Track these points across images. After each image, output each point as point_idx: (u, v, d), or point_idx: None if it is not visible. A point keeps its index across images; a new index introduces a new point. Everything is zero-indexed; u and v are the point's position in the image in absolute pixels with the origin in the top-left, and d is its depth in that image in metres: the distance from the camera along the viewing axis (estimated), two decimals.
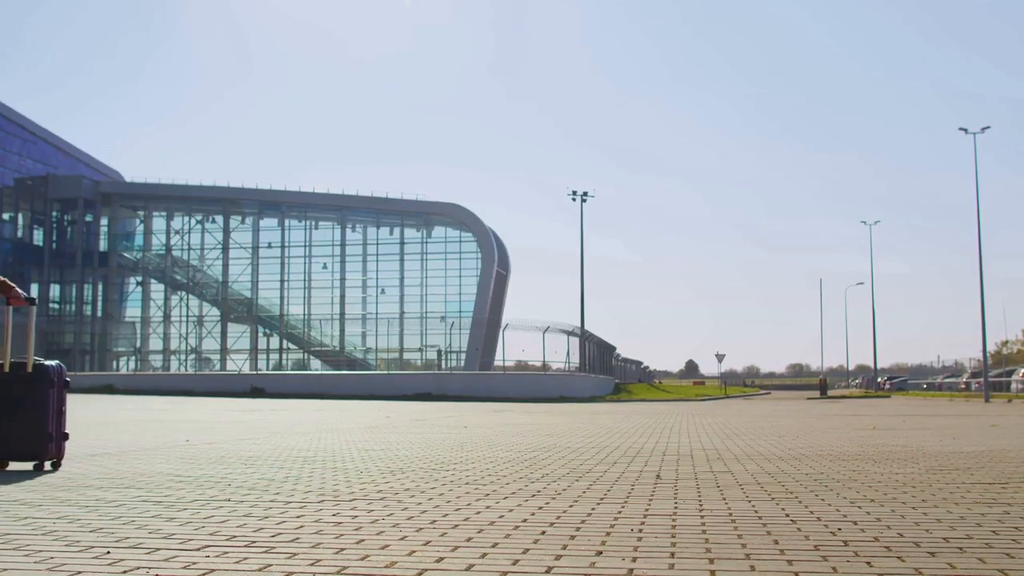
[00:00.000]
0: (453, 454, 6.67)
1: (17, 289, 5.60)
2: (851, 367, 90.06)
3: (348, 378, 35.45)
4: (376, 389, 30.56)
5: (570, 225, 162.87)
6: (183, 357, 56.22)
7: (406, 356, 54.93)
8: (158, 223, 57.98)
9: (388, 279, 55.68)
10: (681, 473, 5.29)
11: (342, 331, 55.84)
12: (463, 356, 49.37)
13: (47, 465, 5.33)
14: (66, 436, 5.47)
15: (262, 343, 56.95)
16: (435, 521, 3.38)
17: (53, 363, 5.43)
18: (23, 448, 5.23)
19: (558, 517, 3.49)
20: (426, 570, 2.52)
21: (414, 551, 2.79)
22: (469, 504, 3.86)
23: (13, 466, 5.30)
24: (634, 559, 2.66)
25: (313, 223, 56.77)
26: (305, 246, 56.62)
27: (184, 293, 57.28)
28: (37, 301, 5.84)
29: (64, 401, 5.46)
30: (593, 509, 3.71)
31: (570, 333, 37.46)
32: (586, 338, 39.58)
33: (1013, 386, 38.39)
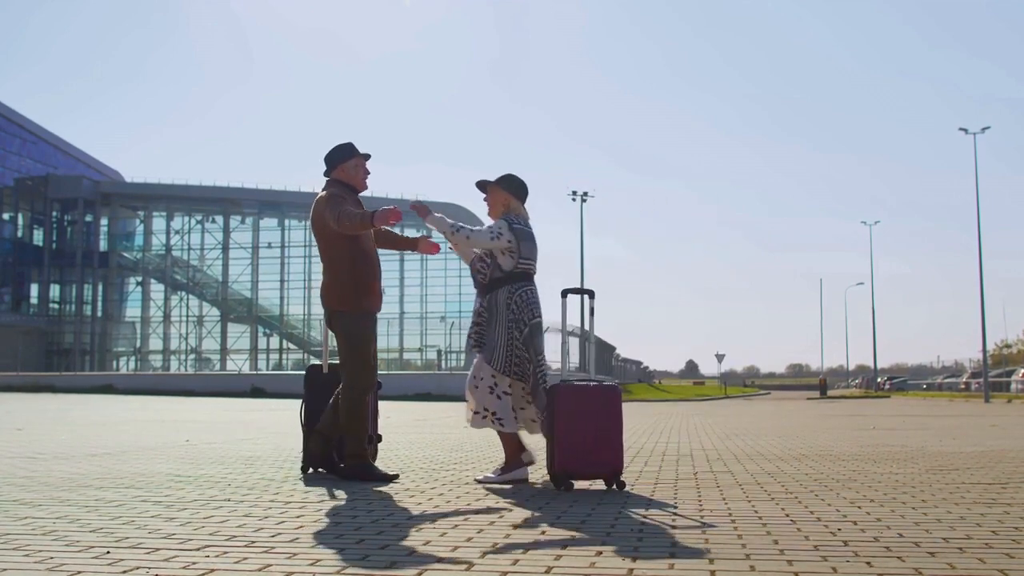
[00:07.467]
0: (453, 454, 6.67)
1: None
2: (851, 367, 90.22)
3: None
4: None
5: (570, 225, 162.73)
6: (183, 357, 56.15)
7: (406, 356, 54.92)
8: (158, 223, 57.90)
9: (388, 279, 55.51)
10: (681, 473, 5.29)
11: None
12: (463, 356, 49.36)
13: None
14: (380, 438, 5.39)
15: (262, 343, 56.88)
16: (435, 521, 3.38)
17: None
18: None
19: (558, 517, 3.49)
20: (426, 570, 2.52)
21: (414, 551, 2.79)
22: (469, 504, 3.87)
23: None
24: (634, 559, 2.67)
25: None
26: (305, 246, 56.49)
27: (184, 293, 57.23)
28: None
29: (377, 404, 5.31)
30: (593, 509, 3.72)
31: (570, 333, 37.49)
32: (586, 338, 39.58)
33: (1013, 386, 38.39)
